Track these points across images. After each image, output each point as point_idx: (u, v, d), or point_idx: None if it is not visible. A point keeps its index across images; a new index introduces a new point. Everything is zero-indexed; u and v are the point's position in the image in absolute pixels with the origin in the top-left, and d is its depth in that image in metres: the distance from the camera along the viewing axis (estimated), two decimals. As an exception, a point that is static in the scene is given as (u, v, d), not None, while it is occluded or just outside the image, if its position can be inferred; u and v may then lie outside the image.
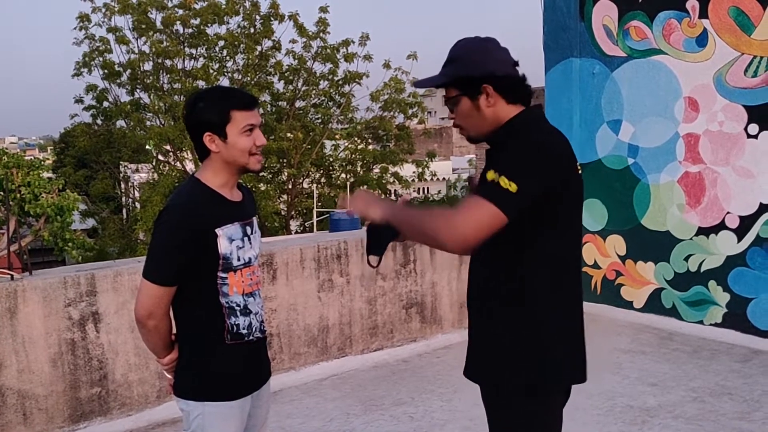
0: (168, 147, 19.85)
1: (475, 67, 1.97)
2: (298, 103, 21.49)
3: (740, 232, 5.19)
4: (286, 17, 20.53)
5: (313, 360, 4.81)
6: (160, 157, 20.56)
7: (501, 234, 1.87)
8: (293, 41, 20.84)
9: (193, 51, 20.18)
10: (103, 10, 19.30)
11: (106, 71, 19.79)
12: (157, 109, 19.60)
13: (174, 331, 2.24)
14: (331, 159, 22.14)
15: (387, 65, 20.48)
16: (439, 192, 32.00)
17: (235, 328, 2.20)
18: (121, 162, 22.47)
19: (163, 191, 17.73)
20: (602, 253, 6.07)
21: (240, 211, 2.23)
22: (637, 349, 5.12)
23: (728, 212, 5.25)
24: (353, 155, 21.76)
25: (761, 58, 5.00)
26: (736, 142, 5.17)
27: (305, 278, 4.76)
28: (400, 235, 2.18)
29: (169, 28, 19.61)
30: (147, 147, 19.96)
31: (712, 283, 5.36)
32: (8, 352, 3.67)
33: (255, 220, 2.34)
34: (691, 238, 5.48)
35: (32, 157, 16.89)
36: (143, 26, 19.37)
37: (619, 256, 5.98)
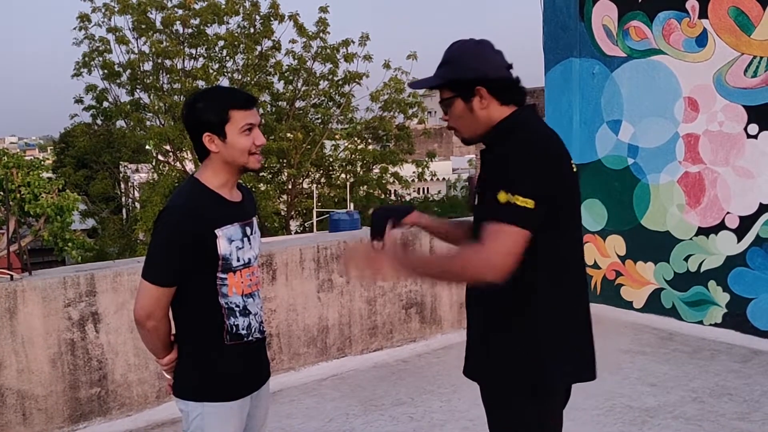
0: (168, 147, 19.85)
1: (468, 70, 1.99)
2: (298, 103, 21.51)
3: (740, 232, 5.18)
4: (286, 17, 20.54)
5: (313, 360, 4.81)
6: (160, 157, 20.57)
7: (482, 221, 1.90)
8: (293, 41, 20.88)
9: (193, 51, 20.18)
10: (103, 10, 19.31)
11: (106, 71, 19.79)
12: (157, 109, 19.61)
13: (173, 331, 2.24)
14: (331, 159, 22.15)
15: (387, 65, 20.49)
16: (439, 192, 32.00)
17: (234, 328, 2.20)
18: (120, 162, 22.47)
19: (163, 191, 17.73)
20: (602, 253, 6.07)
21: (239, 211, 2.23)
22: (637, 350, 5.12)
23: (728, 212, 5.25)
24: (353, 155, 21.76)
25: (761, 58, 5.00)
26: (736, 142, 5.17)
27: (305, 278, 4.76)
28: (402, 222, 2.24)
29: (168, 28, 19.61)
30: (147, 147, 19.97)
31: (711, 284, 5.36)
32: (8, 352, 3.67)
33: (255, 220, 2.34)
34: (690, 239, 5.48)
35: (32, 157, 16.89)
36: (143, 26, 19.37)
37: (618, 256, 5.97)
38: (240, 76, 20.31)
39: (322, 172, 22.25)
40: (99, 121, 21.20)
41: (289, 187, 21.61)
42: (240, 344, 2.22)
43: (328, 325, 4.88)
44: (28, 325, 3.72)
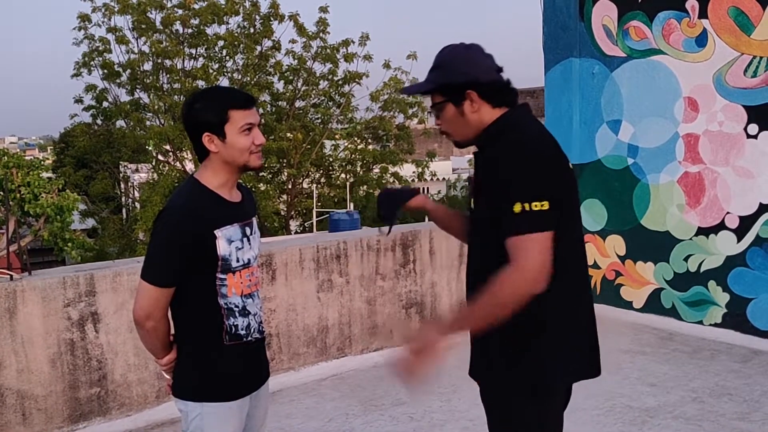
0: (168, 147, 19.85)
1: (458, 74, 2.01)
2: (298, 103, 21.50)
3: (740, 232, 5.18)
4: (286, 17, 20.54)
5: (313, 360, 4.81)
6: (160, 157, 20.56)
7: (502, 242, 1.91)
8: (293, 41, 20.86)
9: (193, 51, 20.18)
10: (103, 10, 19.31)
11: (105, 71, 19.79)
12: (157, 109, 19.60)
13: (172, 331, 2.23)
14: (330, 159, 22.15)
15: (387, 65, 20.48)
16: (439, 192, 31.98)
17: (233, 329, 2.20)
18: (120, 162, 22.45)
19: (163, 191, 17.72)
20: (602, 253, 6.07)
21: (239, 211, 2.22)
22: (637, 350, 5.12)
23: (728, 212, 5.25)
24: (353, 155, 21.76)
25: (761, 58, 5.00)
26: (736, 142, 5.17)
27: (304, 278, 4.75)
28: (406, 204, 2.26)
29: (168, 28, 19.61)
30: (148, 147, 19.96)
31: (711, 284, 5.36)
32: (7, 352, 3.67)
33: (254, 220, 2.34)
34: (690, 239, 5.47)
35: (32, 157, 16.88)
36: (143, 26, 19.36)
37: (618, 256, 5.97)
38: (240, 76, 20.30)
39: (322, 172, 22.25)
40: (99, 121, 21.18)
41: (289, 187, 21.61)
42: (239, 344, 2.22)
43: (328, 325, 4.88)
44: (27, 325, 3.72)
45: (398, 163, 21.57)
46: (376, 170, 21.93)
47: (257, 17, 20.55)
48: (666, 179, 5.59)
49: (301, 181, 21.74)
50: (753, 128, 5.08)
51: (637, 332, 5.50)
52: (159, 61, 19.60)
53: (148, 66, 19.91)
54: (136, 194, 23.85)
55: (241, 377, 2.25)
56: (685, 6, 5.35)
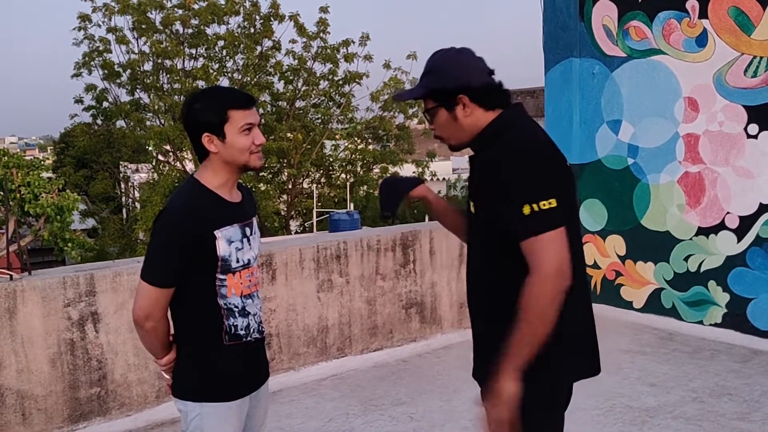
0: (168, 147, 19.85)
1: (450, 79, 2.01)
2: (298, 103, 21.49)
3: (740, 232, 5.18)
4: (287, 17, 20.54)
5: (313, 360, 4.81)
6: (160, 157, 20.56)
7: (506, 241, 1.92)
8: (293, 41, 20.85)
9: (193, 51, 20.18)
10: (103, 10, 19.31)
11: (106, 71, 19.78)
12: (157, 109, 19.60)
13: (172, 331, 2.23)
14: (331, 159, 22.14)
15: (387, 65, 20.48)
16: (439, 192, 31.99)
17: (233, 329, 2.20)
18: (120, 162, 22.44)
19: (163, 191, 17.71)
20: (602, 253, 6.07)
21: (239, 212, 2.22)
22: (637, 350, 5.11)
23: (728, 212, 5.25)
24: (353, 155, 21.76)
25: (761, 58, 4.99)
26: (736, 142, 5.17)
27: (304, 278, 4.75)
28: (411, 194, 2.25)
29: (168, 28, 19.61)
30: (148, 147, 19.95)
31: (711, 284, 5.36)
32: (7, 352, 3.67)
33: (255, 220, 2.33)
34: (690, 239, 5.47)
35: (32, 157, 16.86)
36: (143, 26, 19.36)
37: (618, 256, 5.97)
38: (240, 76, 20.30)
39: (322, 172, 22.24)
40: (99, 121, 21.17)
41: (289, 187, 21.60)
42: (239, 344, 2.22)
43: (328, 325, 4.88)
44: (27, 325, 3.72)
45: (398, 163, 21.56)
46: (377, 170, 21.92)
47: (257, 17, 20.54)
48: (666, 179, 5.59)
49: (301, 181, 21.73)
50: (753, 128, 5.08)
51: (637, 332, 5.50)
52: (159, 61, 19.59)
53: (148, 66, 19.90)
54: (136, 194, 23.84)
55: (240, 377, 2.25)
56: (686, 6, 5.35)
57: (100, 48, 19.73)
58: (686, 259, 5.51)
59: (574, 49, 6.09)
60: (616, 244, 5.98)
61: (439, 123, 2.08)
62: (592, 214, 6.04)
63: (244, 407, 2.27)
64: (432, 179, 23.75)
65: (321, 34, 20.71)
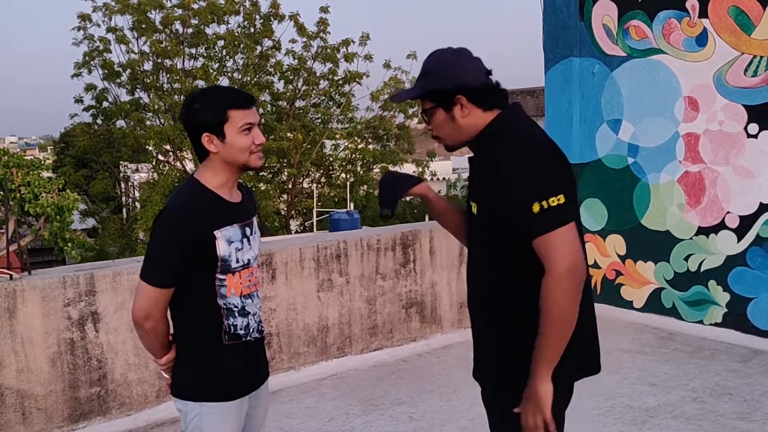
0: (168, 147, 19.84)
1: (447, 80, 2.01)
2: (298, 103, 21.50)
3: (740, 231, 5.18)
4: (287, 17, 20.54)
5: (313, 360, 4.81)
6: (160, 157, 20.56)
7: (507, 241, 1.92)
8: (293, 41, 20.86)
9: (193, 51, 20.18)
10: (103, 9, 19.31)
11: (105, 71, 19.78)
12: (157, 108, 19.60)
13: (171, 331, 2.23)
14: (331, 159, 22.15)
15: (387, 65, 20.49)
16: (439, 192, 32.00)
17: (232, 328, 2.20)
18: (121, 162, 22.44)
19: (163, 191, 17.71)
20: (602, 252, 6.07)
21: (239, 212, 2.21)
22: (637, 349, 5.11)
23: (728, 212, 5.25)
24: (353, 155, 21.76)
25: (761, 57, 4.99)
26: (736, 141, 5.17)
27: (305, 278, 4.75)
28: (410, 191, 2.24)
29: (168, 28, 19.61)
30: (148, 147, 19.95)
31: (712, 283, 5.36)
32: (7, 351, 3.66)
33: (255, 220, 2.33)
34: (691, 238, 5.47)
35: (32, 157, 16.85)
36: (143, 26, 19.36)
37: (619, 255, 5.97)
38: (240, 76, 20.31)
39: (322, 171, 22.24)
40: (99, 121, 21.17)
41: (289, 186, 21.60)
42: (238, 344, 2.22)
43: (328, 325, 4.88)
44: (27, 325, 3.71)
45: (398, 163, 21.56)
46: (377, 170, 21.93)
47: (257, 17, 20.55)
48: (666, 179, 5.59)
49: (301, 180, 21.73)
50: (753, 128, 5.08)
51: (638, 332, 5.50)
52: (159, 60, 19.60)
53: (148, 66, 19.91)
54: (136, 194, 23.84)
55: (240, 377, 2.25)
56: (686, 5, 5.35)
57: (100, 48, 19.74)
58: (686, 258, 5.50)
59: (574, 48, 6.09)
60: (617, 243, 5.98)
61: (437, 123, 2.07)
62: (592, 213, 6.04)
63: (243, 407, 2.26)
64: (432, 179, 23.75)
65: (321, 34, 20.72)
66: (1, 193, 10.05)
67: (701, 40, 5.30)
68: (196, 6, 19.61)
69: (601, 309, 6.20)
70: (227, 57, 20.51)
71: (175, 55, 19.40)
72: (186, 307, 2.18)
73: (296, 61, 20.85)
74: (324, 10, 20.58)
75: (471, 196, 2.07)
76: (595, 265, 6.09)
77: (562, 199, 1.86)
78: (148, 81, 19.68)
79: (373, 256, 5.08)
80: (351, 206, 20.19)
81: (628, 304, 5.91)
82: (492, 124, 2.03)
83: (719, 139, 5.26)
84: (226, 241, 2.13)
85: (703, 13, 5.26)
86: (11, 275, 3.78)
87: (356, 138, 21.63)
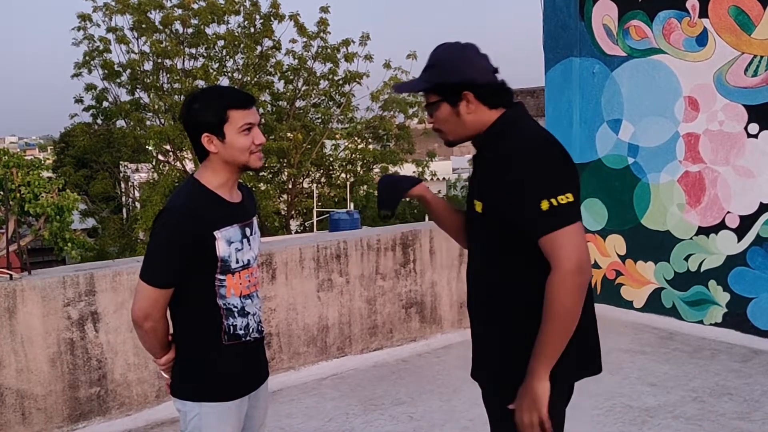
0: (168, 147, 19.85)
1: (455, 74, 2.00)
2: (298, 103, 21.51)
3: (740, 231, 5.18)
4: (287, 17, 20.55)
5: (313, 360, 4.81)
6: (160, 157, 20.56)
7: (508, 241, 1.92)
8: (293, 41, 20.87)
9: (193, 51, 20.18)
10: (103, 9, 19.32)
11: (105, 71, 19.79)
12: (157, 108, 19.60)
13: (171, 331, 2.23)
14: (331, 159, 22.15)
15: (387, 65, 20.49)
16: (439, 192, 32.00)
17: (232, 329, 2.19)
18: (121, 162, 22.45)
19: (163, 191, 17.72)
20: (602, 252, 6.07)
21: (239, 212, 2.21)
22: (637, 349, 5.11)
23: (728, 212, 5.24)
24: (353, 155, 21.77)
25: (761, 57, 4.99)
26: (736, 141, 5.16)
27: (305, 278, 4.75)
28: (409, 192, 2.24)
29: (168, 28, 19.61)
30: (148, 147, 19.96)
31: (712, 283, 5.35)
32: (7, 351, 3.66)
33: (255, 220, 2.32)
34: (691, 238, 5.47)
35: (32, 157, 16.85)
36: (143, 26, 19.37)
37: (619, 255, 5.97)
38: (240, 76, 20.31)
39: (322, 171, 22.25)
40: (99, 121, 21.18)
41: (290, 186, 21.61)
42: (238, 344, 2.21)
43: (328, 325, 4.88)
44: (27, 325, 3.71)
45: (398, 163, 21.58)
46: (377, 170, 21.93)
47: (257, 17, 20.56)
48: (666, 179, 5.59)
49: (301, 180, 21.74)
50: (753, 127, 5.08)
51: (638, 332, 5.49)
52: (159, 60, 19.60)
53: (148, 66, 19.91)
54: (136, 194, 23.85)
55: (239, 377, 2.24)
56: (686, 5, 5.35)
57: (100, 48, 19.75)
58: (686, 258, 5.50)
59: (574, 48, 6.09)
60: (617, 243, 5.98)
61: (440, 117, 2.06)
62: (592, 213, 6.03)
63: (243, 407, 2.26)
64: (432, 179, 23.76)
65: (321, 34, 20.73)
66: (1, 193, 10.05)
67: (701, 40, 5.30)
68: (196, 6, 19.61)
69: (601, 309, 6.19)
70: (227, 57, 20.52)
71: (175, 55, 19.40)
72: (185, 307, 2.17)
73: (296, 61, 20.86)
74: (324, 10, 20.59)
75: (475, 194, 2.05)
76: (595, 265, 6.09)
77: (570, 197, 1.86)
78: (148, 81, 19.68)
79: (373, 256, 5.07)
80: (351, 206, 20.19)
81: (628, 304, 5.91)
82: (499, 122, 2.02)
83: (719, 139, 5.26)
84: (225, 241, 2.13)
85: (704, 13, 5.26)
86: (11, 275, 3.78)
87: (356, 138, 21.64)
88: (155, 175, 20.28)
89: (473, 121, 2.02)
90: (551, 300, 1.84)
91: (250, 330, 2.25)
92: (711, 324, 5.37)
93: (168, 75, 19.82)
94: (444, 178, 33.27)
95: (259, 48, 20.40)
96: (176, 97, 19.20)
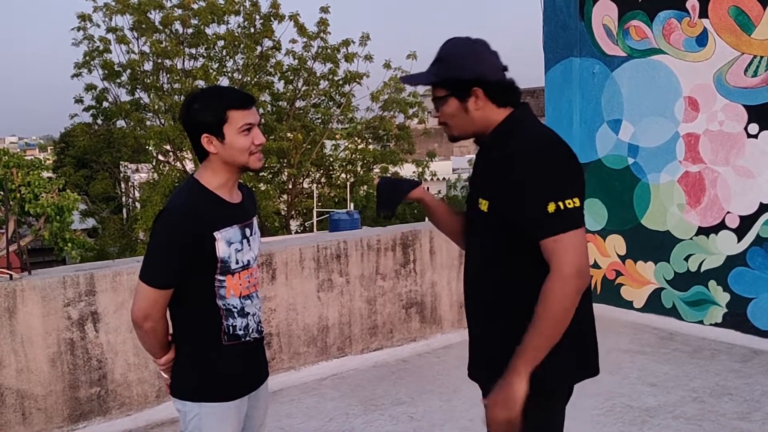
0: (168, 147, 19.86)
1: (466, 70, 1.98)
2: (299, 103, 21.52)
3: (740, 231, 5.18)
4: (287, 17, 20.56)
5: (313, 360, 4.81)
6: (160, 157, 20.57)
7: (513, 240, 1.92)
8: (293, 41, 20.88)
9: (193, 51, 20.19)
10: (104, 9, 19.33)
11: (105, 71, 19.80)
12: (157, 108, 19.61)
13: (170, 331, 2.23)
14: (331, 159, 22.16)
15: (387, 65, 20.51)
16: (439, 192, 31.99)
17: (231, 329, 2.19)
18: (121, 162, 22.46)
19: (163, 191, 17.73)
20: (602, 252, 6.07)
21: (239, 212, 2.21)
22: (637, 349, 5.11)
23: (728, 212, 5.24)
24: (353, 155, 21.78)
25: (761, 57, 4.99)
26: (736, 141, 5.17)
27: (305, 278, 4.75)
28: (408, 195, 2.24)
29: (168, 28, 19.62)
30: (148, 147, 19.97)
31: (712, 283, 5.36)
32: (7, 351, 3.66)
33: (255, 220, 2.32)
34: (691, 238, 5.47)
35: (32, 157, 16.86)
36: (143, 26, 19.38)
37: (619, 255, 5.97)
38: (240, 76, 20.32)
39: (322, 171, 22.26)
40: (99, 121, 21.19)
41: (290, 186, 21.62)
42: (238, 344, 2.21)
43: (328, 325, 4.88)
44: (27, 325, 3.71)
45: (398, 163, 21.59)
46: (377, 170, 21.94)
47: (257, 17, 20.56)
48: (666, 179, 5.59)
49: (301, 181, 21.75)
50: (753, 128, 5.08)
51: (638, 332, 5.49)
52: (159, 61, 19.61)
53: (148, 66, 19.92)
54: (136, 194, 23.86)
55: (239, 377, 2.24)
56: (686, 5, 5.35)
57: (100, 48, 19.76)
58: (686, 258, 5.50)
59: (574, 48, 6.09)
60: (617, 243, 5.98)
61: (447, 112, 2.04)
62: (592, 213, 6.03)
63: (243, 407, 2.26)
64: (432, 179, 23.77)
65: (321, 34, 20.74)
66: (1, 193, 10.05)
67: (701, 40, 5.30)
68: (196, 6, 19.62)
69: (601, 309, 6.19)
70: (227, 57, 20.53)
71: (175, 55, 19.42)
72: (185, 308, 2.17)
73: (296, 61, 20.87)
74: (324, 10, 20.61)
75: (480, 192, 2.04)
76: (595, 265, 6.09)
77: (577, 202, 1.86)
78: (148, 81, 19.69)
79: (373, 256, 5.08)
80: (351, 206, 20.20)
81: (628, 304, 5.90)
82: (507, 121, 2.01)
83: (719, 139, 5.26)
84: (225, 242, 2.12)
85: (704, 13, 5.26)
86: (11, 275, 3.78)
87: (356, 138, 21.65)
88: (155, 175, 20.29)
89: (480, 118, 2.01)
90: (547, 302, 1.84)
91: (250, 330, 2.24)
92: (711, 324, 5.37)
93: (168, 75, 19.83)
94: (444, 178, 33.27)
95: (259, 48, 20.41)
96: (176, 97, 19.21)
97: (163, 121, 19.60)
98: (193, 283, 2.13)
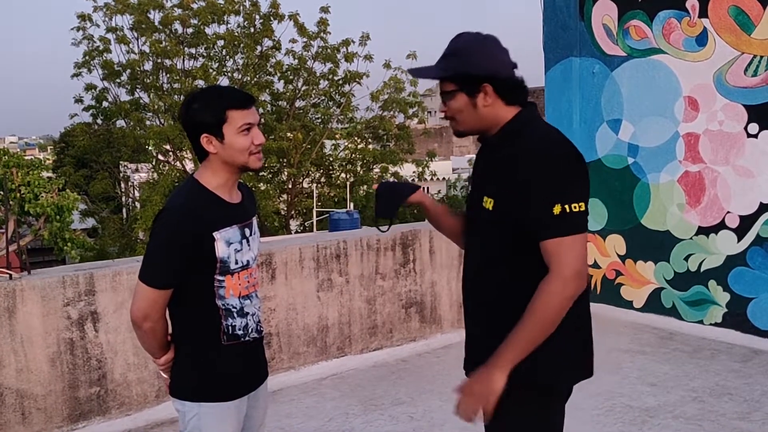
0: (168, 147, 19.87)
1: (477, 66, 1.97)
2: (298, 103, 21.54)
3: (740, 231, 5.18)
4: (286, 17, 20.56)
5: (313, 359, 4.81)
6: (160, 157, 20.58)
7: (519, 240, 1.91)
8: (293, 41, 20.90)
9: (193, 51, 20.20)
10: (104, 9, 19.34)
11: (105, 71, 19.81)
12: (157, 108, 19.62)
13: (170, 331, 2.22)
14: (331, 159, 22.18)
15: (387, 65, 20.52)
16: (439, 192, 32.00)
17: (231, 329, 2.19)
18: (120, 162, 22.47)
19: (163, 191, 17.75)
20: (602, 252, 6.07)
21: (239, 212, 2.20)
22: (637, 349, 5.11)
23: (728, 212, 5.24)
24: (353, 155, 21.79)
25: (761, 57, 4.99)
26: (736, 141, 5.16)
27: (304, 278, 4.75)
28: (408, 200, 2.23)
29: (168, 28, 19.63)
30: (148, 147, 19.98)
31: (712, 283, 5.35)
32: (7, 351, 3.66)
33: (254, 220, 2.32)
34: (691, 238, 5.47)
35: (32, 157, 16.86)
36: (143, 26, 19.39)
37: (618, 255, 5.97)
38: (240, 76, 20.33)
39: (322, 171, 22.28)
40: (99, 121, 21.20)
41: (289, 186, 21.63)
42: (237, 344, 2.21)
43: (328, 325, 4.88)
44: (27, 325, 3.71)
45: (398, 163, 21.61)
46: (377, 170, 21.95)
47: (257, 17, 20.57)
48: (666, 179, 5.59)
49: (301, 180, 21.76)
50: (753, 127, 5.08)
51: (637, 332, 5.49)
52: (159, 60, 19.62)
53: (148, 66, 19.93)
54: (136, 194, 23.87)
55: (239, 377, 2.24)
56: (686, 5, 5.35)
57: (100, 48, 19.77)
58: (686, 258, 5.50)
59: (574, 48, 6.09)
60: (616, 243, 5.98)
61: (455, 107, 2.03)
62: (592, 213, 5.99)
63: (242, 407, 2.26)
64: (432, 179, 23.77)
65: (321, 34, 20.75)
66: (1, 193, 10.04)
67: (701, 39, 5.30)
68: (195, 6, 19.63)
69: (601, 309, 6.20)
70: (227, 57, 20.55)
71: (175, 55, 19.43)
72: (184, 308, 2.17)
73: (296, 61, 20.89)
74: (324, 10, 20.62)
75: (484, 191, 2.03)
76: (595, 265, 6.09)
77: (583, 206, 1.86)
78: (148, 81, 19.71)
79: (372, 256, 5.07)
80: (351, 206, 20.21)
81: (628, 304, 5.90)
82: (516, 119, 2.00)
83: (719, 139, 5.26)
84: (225, 242, 2.12)
85: (703, 13, 5.26)
86: (11, 275, 3.78)
87: (356, 138, 21.66)
88: (155, 175, 20.31)
89: (488, 115, 2.00)
90: (542, 302, 1.84)
91: (249, 330, 2.24)
92: (711, 324, 5.37)
93: (168, 75, 19.85)
94: (444, 178, 33.28)
95: (258, 48, 20.42)
96: (176, 97, 19.22)
97: (162, 121, 19.61)
98: (193, 283, 2.13)
